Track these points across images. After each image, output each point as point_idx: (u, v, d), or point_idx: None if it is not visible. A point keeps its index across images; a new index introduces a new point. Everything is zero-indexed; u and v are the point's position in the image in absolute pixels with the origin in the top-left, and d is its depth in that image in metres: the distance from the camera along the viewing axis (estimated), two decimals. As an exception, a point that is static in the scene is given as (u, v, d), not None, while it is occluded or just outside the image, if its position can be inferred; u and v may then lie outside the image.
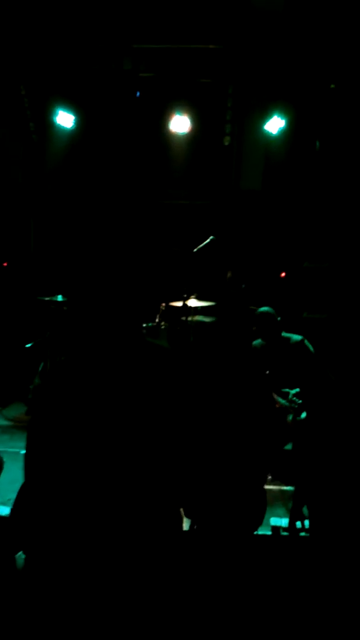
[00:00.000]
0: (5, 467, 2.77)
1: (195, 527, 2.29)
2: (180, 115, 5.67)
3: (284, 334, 4.01)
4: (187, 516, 2.76)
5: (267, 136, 5.83)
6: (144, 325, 5.06)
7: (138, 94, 6.00)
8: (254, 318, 4.08)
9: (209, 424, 2.20)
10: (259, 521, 2.31)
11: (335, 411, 3.80)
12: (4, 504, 2.96)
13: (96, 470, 1.25)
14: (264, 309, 4.07)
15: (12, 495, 2.52)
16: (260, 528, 2.96)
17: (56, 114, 5.80)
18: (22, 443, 4.09)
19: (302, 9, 5.13)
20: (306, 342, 3.95)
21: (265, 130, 5.73)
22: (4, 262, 6.46)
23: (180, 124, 5.71)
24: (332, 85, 5.55)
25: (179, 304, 4.86)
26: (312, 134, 5.95)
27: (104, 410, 1.28)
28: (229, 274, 6.11)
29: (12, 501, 2.68)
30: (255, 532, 2.39)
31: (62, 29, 5.58)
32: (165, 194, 6.40)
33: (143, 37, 5.61)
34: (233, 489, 2.18)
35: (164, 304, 5.04)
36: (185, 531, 2.71)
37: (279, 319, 4.02)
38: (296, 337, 3.98)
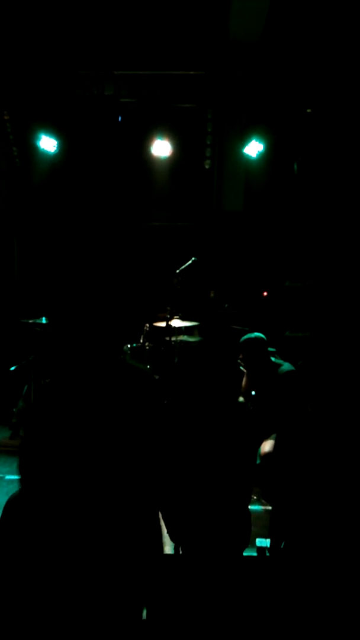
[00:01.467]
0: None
1: (180, 550, 2.30)
2: (161, 139, 5.78)
3: (275, 359, 3.97)
4: (172, 540, 2.77)
5: (247, 159, 5.96)
6: (129, 345, 5.09)
7: (120, 118, 6.11)
8: (239, 345, 4.03)
9: (191, 445, 2.23)
10: (246, 542, 2.33)
11: (307, 438, 3.87)
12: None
13: (82, 487, 1.33)
14: (251, 335, 4.00)
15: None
16: (246, 550, 2.98)
17: (39, 139, 5.87)
18: (6, 468, 4.11)
19: (279, 38, 5.30)
20: (292, 373, 3.93)
21: (244, 153, 5.86)
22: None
23: (161, 148, 5.82)
24: (309, 110, 5.72)
25: (163, 324, 4.90)
26: (290, 156, 6.11)
27: (87, 431, 1.35)
28: (211, 294, 6.19)
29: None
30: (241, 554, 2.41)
31: (44, 55, 5.68)
32: (147, 216, 6.49)
33: (124, 63, 5.74)
34: (217, 510, 2.21)
35: (147, 325, 5.09)
36: (170, 555, 2.72)
37: (272, 349, 3.96)
38: (286, 367, 3.93)
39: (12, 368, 5.53)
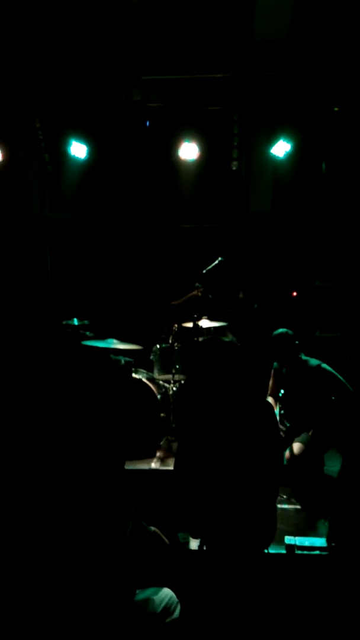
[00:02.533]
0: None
1: (204, 546, 2.33)
2: (188, 142, 5.83)
3: (303, 356, 4.03)
4: (194, 536, 2.80)
5: (274, 159, 5.95)
6: (158, 346, 5.14)
7: (148, 123, 6.20)
8: (269, 340, 4.12)
9: (217, 441, 2.26)
10: (271, 538, 2.34)
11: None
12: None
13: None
14: (279, 330, 4.11)
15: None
16: (275, 547, 3.00)
17: (70, 145, 6.01)
18: None
19: (304, 36, 5.29)
20: (323, 366, 3.96)
21: (272, 153, 5.86)
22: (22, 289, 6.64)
23: (189, 150, 5.87)
24: (336, 109, 5.69)
25: (191, 324, 4.94)
26: (318, 156, 6.08)
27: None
28: (240, 295, 6.20)
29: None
30: (269, 551, 2.42)
31: (73, 63, 5.83)
32: (175, 219, 6.56)
33: (151, 68, 5.84)
34: (241, 506, 2.23)
35: (176, 325, 5.13)
36: (194, 550, 2.76)
37: (297, 342, 4.04)
38: (313, 362, 3.99)
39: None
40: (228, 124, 6.06)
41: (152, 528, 2.33)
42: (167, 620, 2.24)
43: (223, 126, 6.10)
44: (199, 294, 5.21)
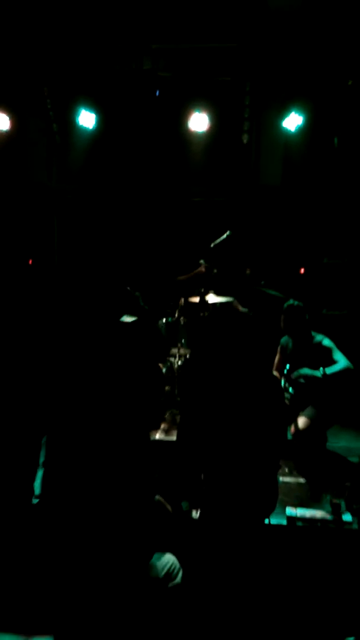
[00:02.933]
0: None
1: (204, 514, 2.36)
2: (198, 113, 5.73)
3: (312, 332, 4.02)
4: (194, 506, 2.84)
5: (285, 133, 5.84)
6: (164, 320, 5.14)
7: (157, 93, 6.09)
8: (282, 310, 4.11)
9: (222, 411, 2.27)
10: (271, 508, 2.37)
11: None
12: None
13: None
14: (291, 301, 4.09)
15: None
16: (277, 518, 3.03)
17: (78, 115, 5.92)
18: None
19: (320, 6, 5.14)
20: (325, 342, 3.95)
21: (283, 127, 5.76)
22: (29, 260, 6.62)
23: (199, 122, 5.76)
24: (350, 82, 5.55)
25: (197, 299, 4.92)
26: (330, 130, 5.96)
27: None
28: (247, 271, 6.15)
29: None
30: (270, 521, 2.45)
31: (83, 31, 5.70)
32: (184, 192, 6.48)
33: (162, 37, 5.71)
34: (244, 475, 2.25)
35: (182, 300, 5.11)
36: (194, 519, 2.80)
37: (307, 316, 4.04)
38: (318, 338, 3.99)
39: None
40: (239, 95, 5.94)
41: (157, 496, 2.36)
42: (170, 585, 2.28)
43: (234, 97, 5.98)
44: (204, 270, 5.18)
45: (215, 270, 4.99)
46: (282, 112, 5.73)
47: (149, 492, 2.16)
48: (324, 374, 3.78)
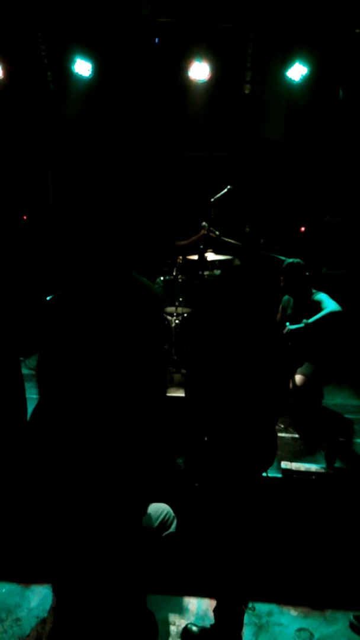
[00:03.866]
0: (30, 411, 2.91)
1: (206, 468, 2.37)
2: (199, 62, 5.50)
3: (313, 290, 4.00)
4: (196, 460, 2.86)
5: (289, 84, 5.63)
6: (162, 278, 5.07)
7: (157, 40, 5.83)
8: (282, 268, 4.08)
9: (223, 362, 2.26)
10: (270, 461, 2.39)
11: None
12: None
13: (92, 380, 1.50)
14: (292, 260, 4.07)
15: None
16: (271, 471, 3.07)
17: (74, 62, 5.68)
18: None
19: None
20: (319, 296, 3.92)
21: (287, 77, 5.54)
22: (24, 215, 6.49)
23: (199, 71, 5.54)
24: (358, 30, 5.32)
25: (196, 257, 4.84)
26: (336, 81, 5.74)
27: (96, 332, 1.52)
28: (247, 228, 6.05)
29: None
30: (267, 474, 2.47)
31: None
32: (183, 145, 6.29)
33: (162, -20, 5.43)
34: (246, 427, 2.25)
35: (181, 258, 5.04)
36: (192, 472, 2.82)
37: (307, 273, 4.00)
38: (318, 296, 3.96)
39: (49, 298, 5.63)
40: (242, 43, 5.68)
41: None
42: (164, 534, 2.30)
43: (237, 45, 5.71)
44: (205, 232, 5.09)
45: (217, 233, 4.91)
46: (286, 62, 5.51)
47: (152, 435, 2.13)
48: (306, 324, 3.78)
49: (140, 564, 2.17)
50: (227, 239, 4.99)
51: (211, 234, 4.91)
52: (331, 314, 3.78)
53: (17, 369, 2.92)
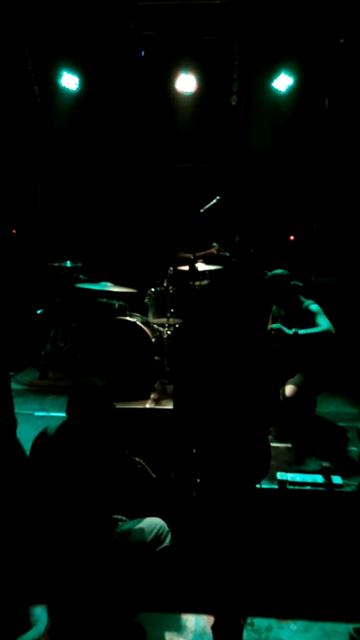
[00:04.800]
0: (19, 427, 2.88)
1: (199, 479, 2.35)
2: (186, 74, 5.54)
3: (301, 298, 3.97)
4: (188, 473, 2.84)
5: (275, 94, 5.69)
6: (152, 290, 5.07)
7: (143, 53, 5.86)
8: (267, 280, 4.06)
9: (214, 376, 2.25)
10: (264, 472, 2.37)
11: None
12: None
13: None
14: (276, 271, 4.04)
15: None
16: (267, 482, 3.04)
17: (61, 76, 5.70)
18: (36, 406, 4.31)
19: None
20: (312, 307, 3.91)
21: (273, 88, 5.60)
22: (13, 229, 6.47)
23: (186, 83, 5.58)
24: (342, 40, 5.38)
25: (187, 268, 4.85)
26: (321, 91, 5.80)
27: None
28: (237, 238, 6.07)
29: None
30: (261, 486, 2.46)
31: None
32: (170, 157, 6.32)
33: (147, -7, 5.47)
34: (236, 439, 2.23)
35: (171, 268, 5.04)
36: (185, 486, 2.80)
37: (299, 283, 3.98)
38: (307, 303, 3.94)
39: (39, 311, 5.60)
40: (228, 54, 5.73)
41: (137, 459, 2.35)
42: (158, 549, 2.27)
43: (222, 57, 5.76)
44: (216, 252, 5.14)
45: (227, 254, 4.99)
46: (272, 73, 5.58)
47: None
48: (295, 333, 3.71)
49: (132, 578, 2.15)
50: (236, 260, 5.04)
51: (221, 253, 4.98)
52: (324, 334, 3.71)
53: (7, 385, 2.89)
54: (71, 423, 2.17)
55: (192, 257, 4.77)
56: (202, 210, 4.67)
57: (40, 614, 2.57)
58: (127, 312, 4.99)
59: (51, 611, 2.17)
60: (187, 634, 2.51)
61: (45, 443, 2.18)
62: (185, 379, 2.39)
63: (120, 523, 2.29)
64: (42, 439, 2.20)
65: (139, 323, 4.82)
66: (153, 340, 4.82)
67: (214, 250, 5.19)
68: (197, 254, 4.94)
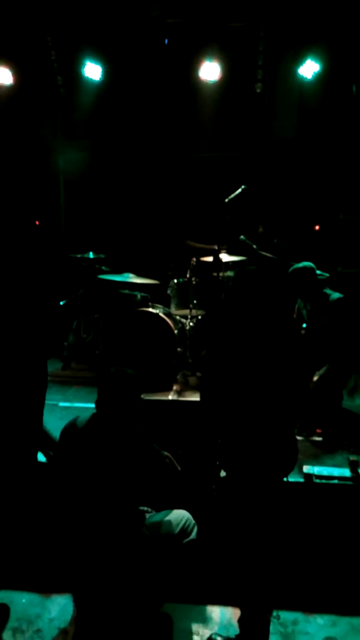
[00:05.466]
0: (44, 418, 2.90)
1: (227, 473, 2.33)
2: (210, 62, 5.45)
3: (327, 290, 3.91)
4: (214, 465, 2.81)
5: (301, 81, 5.57)
6: (175, 281, 5.03)
7: (166, 41, 5.79)
8: (290, 274, 3.99)
9: (238, 365, 2.22)
10: (291, 466, 2.33)
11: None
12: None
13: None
14: (300, 264, 3.97)
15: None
16: (293, 476, 3.00)
17: (84, 66, 5.67)
18: (59, 396, 4.34)
19: None
20: (339, 298, 3.84)
21: (299, 74, 5.48)
22: (36, 221, 6.48)
23: (210, 71, 5.49)
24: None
25: (210, 259, 4.79)
26: (348, 77, 5.66)
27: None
28: (260, 229, 5.99)
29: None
30: (287, 479, 2.42)
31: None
32: (195, 146, 6.25)
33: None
34: (264, 432, 2.20)
35: (194, 259, 4.99)
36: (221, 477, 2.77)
37: (324, 274, 3.92)
38: (335, 296, 3.87)
39: (62, 302, 5.62)
40: (253, 41, 5.61)
41: (165, 452, 2.33)
42: (184, 541, 2.26)
43: (247, 44, 5.65)
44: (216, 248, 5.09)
45: (255, 247, 4.95)
46: (298, 59, 5.45)
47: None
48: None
49: (158, 570, 2.14)
50: (264, 253, 4.97)
51: (247, 244, 4.92)
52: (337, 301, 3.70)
53: (44, 375, 2.91)
54: (102, 414, 2.15)
55: (195, 246, 4.72)
56: (227, 200, 4.61)
57: (65, 603, 2.58)
58: (150, 304, 4.96)
59: (77, 600, 2.17)
60: (212, 626, 2.50)
61: (75, 434, 2.16)
62: (213, 371, 2.37)
63: (147, 515, 2.27)
64: (71, 430, 2.18)
65: (161, 314, 4.79)
66: (175, 331, 4.79)
67: (214, 246, 5.14)
68: (198, 245, 4.91)
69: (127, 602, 2.08)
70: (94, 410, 2.18)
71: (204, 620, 2.53)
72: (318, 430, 3.83)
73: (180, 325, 4.96)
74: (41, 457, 3.12)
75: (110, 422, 2.12)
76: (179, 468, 2.45)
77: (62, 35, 5.77)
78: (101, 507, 2.06)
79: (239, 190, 4.65)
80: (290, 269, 3.99)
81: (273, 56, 5.77)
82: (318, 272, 3.97)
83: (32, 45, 5.83)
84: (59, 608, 2.58)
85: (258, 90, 5.79)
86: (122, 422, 2.12)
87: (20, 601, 2.62)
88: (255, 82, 5.73)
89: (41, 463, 3.06)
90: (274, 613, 2.53)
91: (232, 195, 4.59)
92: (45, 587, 2.69)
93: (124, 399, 2.13)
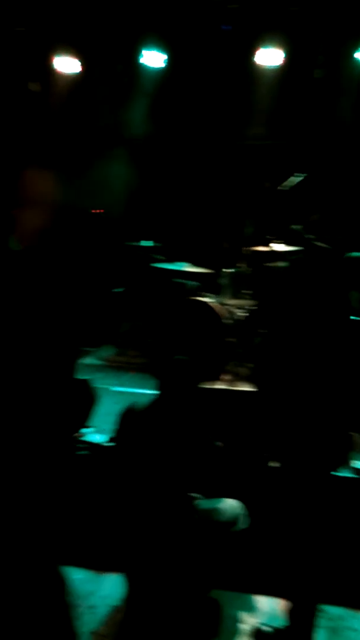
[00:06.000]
0: (99, 400, 2.98)
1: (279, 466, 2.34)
2: (269, 47, 5.35)
3: None
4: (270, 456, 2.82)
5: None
6: (229, 270, 5.02)
7: (224, 27, 5.72)
8: (345, 264, 3.91)
9: (296, 359, 2.22)
10: (344, 460, 2.32)
11: None
12: (99, 432, 3.19)
13: None
14: (354, 253, 3.89)
15: (107, 426, 2.75)
16: (344, 471, 2.97)
17: (143, 55, 5.69)
18: (115, 381, 4.44)
19: None
20: None
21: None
22: (101, 209, 6.57)
23: (271, 56, 5.39)
24: None
25: (265, 248, 4.75)
26: None
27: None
28: (315, 217, 5.85)
29: (106, 431, 2.90)
30: (337, 473, 2.41)
31: None
32: (251, 135, 6.16)
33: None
34: (320, 424, 2.20)
35: (249, 249, 4.96)
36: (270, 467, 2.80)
37: None
38: None
39: (117, 290, 5.73)
40: (314, 26, 5.46)
41: (218, 443, 2.37)
42: (234, 529, 2.30)
43: (308, 29, 5.50)
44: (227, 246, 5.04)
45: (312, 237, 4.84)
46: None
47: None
48: None
49: (207, 556, 2.19)
50: (318, 243, 4.86)
51: (304, 235, 4.81)
52: None
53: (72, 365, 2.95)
54: (162, 401, 2.22)
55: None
56: (280, 189, 4.54)
57: (117, 582, 2.68)
58: (202, 293, 4.99)
59: (129, 580, 2.26)
60: (259, 615, 2.53)
61: (134, 419, 2.24)
62: (268, 361, 2.38)
63: (198, 502, 2.33)
64: (130, 414, 2.26)
65: (212, 304, 4.81)
66: (226, 321, 4.79)
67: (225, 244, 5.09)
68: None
69: (177, 585, 2.15)
70: (151, 396, 2.25)
71: (251, 608, 2.57)
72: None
73: (232, 315, 4.96)
74: (97, 439, 3.24)
75: (170, 407, 2.18)
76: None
77: (123, 24, 5.78)
78: (159, 491, 2.13)
79: (295, 178, 4.57)
80: (344, 258, 3.91)
81: (334, 41, 5.57)
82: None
83: (94, 34, 5.87)
84: (111, 586, 2.68)
85: (318, 76, 5.63)
86: (181, 407, 2.18)
87: (75, 577, 2.74)
88: (315, 68, 5.57)
89: (97, 445, 3.17)
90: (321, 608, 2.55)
91: (287, 184, 4.52)
92: (99, 565, 2.80)
93: (184, 385, 2.19)
